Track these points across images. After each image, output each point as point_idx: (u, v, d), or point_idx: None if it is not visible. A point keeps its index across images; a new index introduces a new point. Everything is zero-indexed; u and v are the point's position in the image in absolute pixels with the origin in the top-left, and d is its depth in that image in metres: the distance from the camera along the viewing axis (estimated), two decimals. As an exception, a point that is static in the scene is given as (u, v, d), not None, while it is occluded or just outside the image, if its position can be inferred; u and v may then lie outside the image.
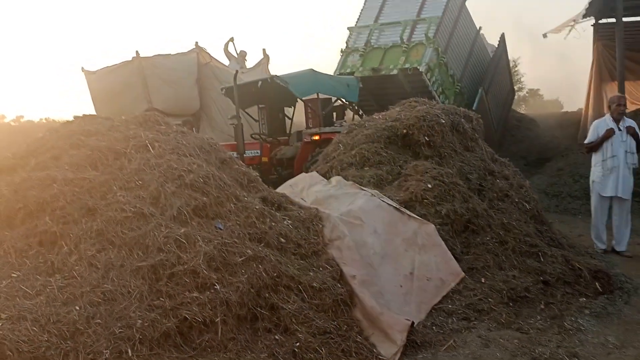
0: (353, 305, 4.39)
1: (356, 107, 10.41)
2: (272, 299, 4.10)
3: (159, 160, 4.50)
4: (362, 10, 12.89)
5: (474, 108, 11.44)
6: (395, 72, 11.36)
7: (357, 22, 12.80)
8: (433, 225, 4.95)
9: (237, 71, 9.39)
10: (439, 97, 11.38)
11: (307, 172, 8.98)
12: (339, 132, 9.74)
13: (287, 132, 10.84)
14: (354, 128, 6.20)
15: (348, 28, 12.75)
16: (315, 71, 9.77)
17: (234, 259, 4.09)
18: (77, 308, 3.39)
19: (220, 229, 4.33)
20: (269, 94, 10.23)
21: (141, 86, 11.97)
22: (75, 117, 5.19)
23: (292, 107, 11.25)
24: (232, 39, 14.07)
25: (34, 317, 3.24)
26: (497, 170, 5.98)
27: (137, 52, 12.02)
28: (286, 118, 11.05)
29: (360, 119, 10.56)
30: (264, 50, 14.92)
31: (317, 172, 5.97)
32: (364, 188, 5.31)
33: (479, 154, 6.03)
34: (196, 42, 12.77)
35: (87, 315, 3.37)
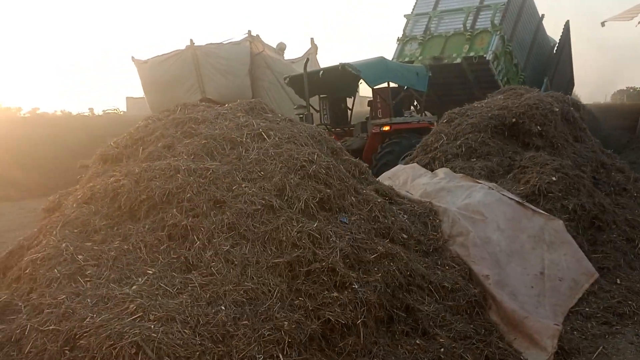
0: (488, 307, 4.10)
1: (423, 97, 10.04)
2: (407, 300, 3.81)
3: (278, 149, 4.22)
4: (418, -3, 12.48)
5: (539, 98, 10.99)
6: (458, 60, 10.96)
7: (413, 9, 12.40)
8: (561, 221, 4.61)
9: (307, 59, 9.09)
10: (503, 86, 10.95)
11: (376, 164, 8.71)
12: (409, 122, 9.45)
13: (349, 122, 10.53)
14: (455, 117, 5.86)
15: (405, 15, 12.36)
16: (386, 59, 9.43)
17: (366, 256, 3.81)
18: (223, 308, 3.14)
19: (346, 223, 4.05)
20: (331, 84, 9.91)
21: (195, 75, 11.74)
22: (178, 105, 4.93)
23: (352, 97, 10.91)
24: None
25: (183, 319, 2.98)
26: (609, 163, 5.61)
27: (191, 40, 11.79)
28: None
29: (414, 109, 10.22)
30: (312, 39, 14.59)
31: (417, 163, 5.65)
32: (479, 180, 4.99)
33: (589, 144, 5.66)
34: (249, 31, 12.51)
35: (234, 316, 3.11)
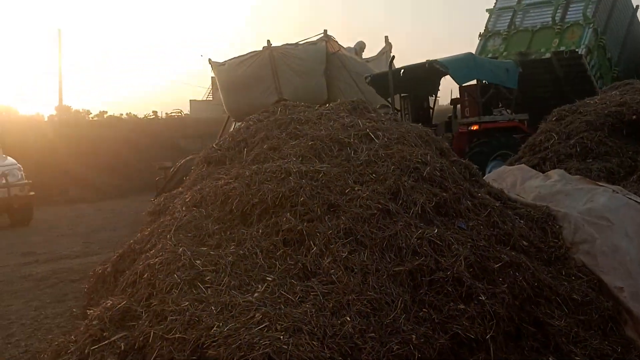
0: (623, 322, 3.73)
1: (514, 95, 9.57)
2: (536, 313, 3.51)
3: (388, 150, 4.02)
4: (501, -9, 11.95)
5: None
6: (547, 55, 10.40)
7: (496, 3, 11.90)
8: (700, 230, 4.16)
9: (393, 56, 8.87)
10: (596, 82, 10.31)
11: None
12: (499, 121, 9.03)
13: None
14: (565, 114, 5.46)
15: (487, 10, 11.88)
16: (474, 55, 9.07)
17: (489, 264, 3.54)
18: (349, 319, 2.96)
19: (464, 229, 3.79)
20: (413, 82, 9.64)
21: (271, 76, 11.73)
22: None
23: (434, 96, 10.58)
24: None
25: (309, 329, 2.82)
26: None
27: (268, 41, 11.80)
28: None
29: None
30: (386, 37, 14.32)
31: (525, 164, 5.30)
32: (600, 183, 4.59)
33: None
34: (325, 30, 12.40)
35: (361, 328, 2.93)
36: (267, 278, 3.17)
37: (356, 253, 3.36)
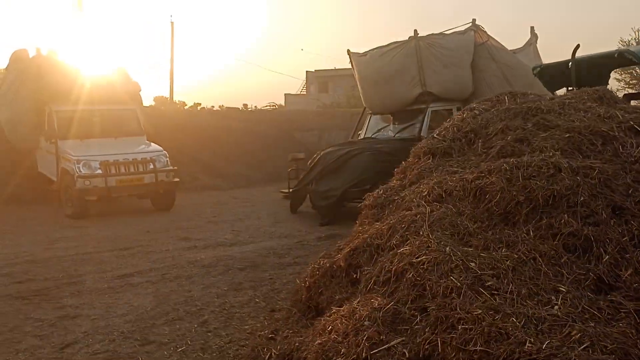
0: None
1: None
2: None
3: (663, 146, 3.47)
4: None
5: None
6: None
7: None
8: None
9: (578, 45, 8.12)
10: None
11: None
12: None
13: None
14: None
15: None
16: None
17: None
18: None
19: None
20: (582, 75, 8.78)
21: (416, 68, 11.26)
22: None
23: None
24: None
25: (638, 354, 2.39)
26: None
27: (415, 31, 11.32)
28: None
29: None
30: (532, 28, 13.40)
31: None
32: None
33: None
34: (473, 20, 11.73)
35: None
36: (560, 289, 2.77)
37: (656, 265, 2.87)
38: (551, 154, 3.41)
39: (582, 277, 2.84)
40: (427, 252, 3.03)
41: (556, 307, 2.63)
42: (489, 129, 3.97)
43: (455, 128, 4.18)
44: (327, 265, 3.77)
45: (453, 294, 2.77)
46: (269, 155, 19.11)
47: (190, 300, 5.64)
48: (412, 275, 2.99)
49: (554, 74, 8.53)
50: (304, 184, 11.01)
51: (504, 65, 11.38)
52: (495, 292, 2.74)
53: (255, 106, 27.30)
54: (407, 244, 3.23)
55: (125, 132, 12.69)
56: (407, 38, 11.41)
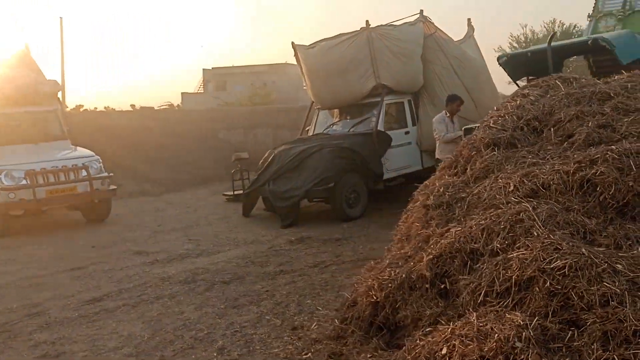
0: None
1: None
2: None
3: None
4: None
5: None
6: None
7: (607, -18, 11.17)
8: None
9: (555, 32, 8.13)
10: None
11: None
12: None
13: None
14: None
15: (594, -10, 11.17)
16: (634, 32, 8.36)
17: None
18: None
19: None
20: (542, 64, 8.92)
21: (369, 60, 10.92)
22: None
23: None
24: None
25: None
26: None
27: (367, 22, 10.94)
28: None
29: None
30: (469, 20, 13.54)
31: None
32: None
33: None
34: (421, 10, 11.61)
35: None
36: None
37: None
38: (650, 139, 3.16)
39: None
40: (559, 255, 2.63)
41: None
42: (555, 115, 3.66)
43: (514, 117, 3.83)
44: (403, 276, 3.27)
45: (614, 302, 2.40)
46: (193, 157, 18.03)
47: (190, 324, 4.89)
48: (547, 283, 2.58)
49: (517, 63, 8.58)
50: (257, 185, 10.31)
51: (452, 57, 11.33)
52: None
53: (152, 107, 24.84)
54: (520, 247, 2.82)
55: (47, 137, 11.22)
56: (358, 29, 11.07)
